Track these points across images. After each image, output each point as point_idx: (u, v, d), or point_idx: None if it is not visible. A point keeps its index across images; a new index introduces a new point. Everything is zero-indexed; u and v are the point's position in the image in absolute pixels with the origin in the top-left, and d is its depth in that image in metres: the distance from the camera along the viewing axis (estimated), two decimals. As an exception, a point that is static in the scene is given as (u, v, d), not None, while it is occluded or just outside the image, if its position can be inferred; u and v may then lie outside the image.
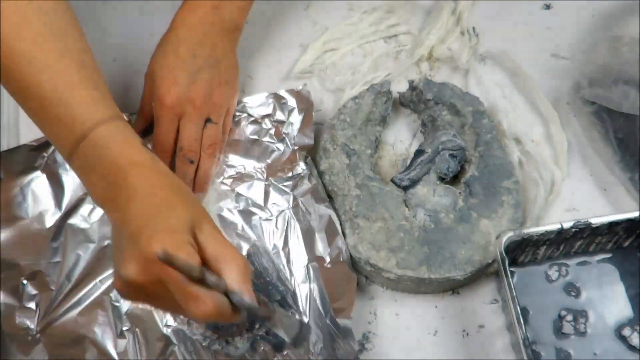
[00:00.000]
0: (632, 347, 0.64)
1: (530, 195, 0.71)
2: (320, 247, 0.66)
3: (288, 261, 0.66)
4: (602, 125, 0.73)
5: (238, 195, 0.69)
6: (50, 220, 0.68)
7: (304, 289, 0.64)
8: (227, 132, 0.71)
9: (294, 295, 0.64)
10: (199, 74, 0.66)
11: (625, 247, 0.68)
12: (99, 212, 0.68)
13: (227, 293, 0.50)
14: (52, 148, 0.70)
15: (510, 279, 0.60)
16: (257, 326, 0.62)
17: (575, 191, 0.72)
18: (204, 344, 0.63)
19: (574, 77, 0.77)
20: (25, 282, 0.65)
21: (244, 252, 0.66)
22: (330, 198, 0.71)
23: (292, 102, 0.72)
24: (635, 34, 0.72)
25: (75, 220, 0.68)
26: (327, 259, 0.66)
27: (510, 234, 0.62)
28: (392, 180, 0.70)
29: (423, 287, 0.67)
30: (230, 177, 0.70)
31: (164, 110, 0.66)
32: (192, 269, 0.47)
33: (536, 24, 0.82)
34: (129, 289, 0.51)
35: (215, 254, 0.51)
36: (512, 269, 0.66)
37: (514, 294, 0.59)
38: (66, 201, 0.69)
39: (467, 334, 0.66)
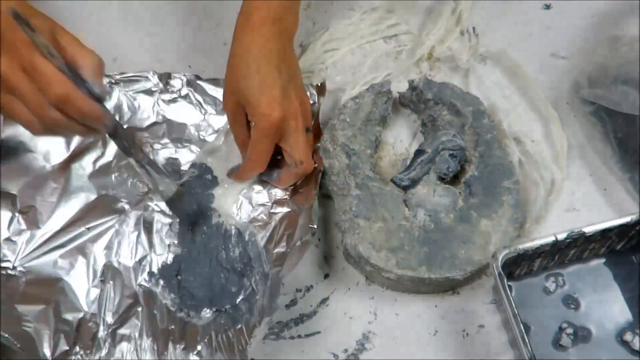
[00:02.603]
0: (635, 352, 0.64)
1: (530, 195, 0.71)
2: (300, 231, 0.66)
3: (272, 244, 0.67)
4: (601, 125, 0.73)
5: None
6: (56, 159, 0.69)
7: (276, 270, 0.65)
8: (317, 136, 0.72)
9: (265, 276, 0.65)
10: (288, 88, 0.65)
11: (618, 251, 0.68)
12: (103, 160, 0.70)
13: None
14: None
15: (510, 297, 0.59)
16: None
17: (575, 191, 0.72)
18: (171, 309, 0.64)
19: (573, 77, 0.77)
20: (17, 215, 0.67)
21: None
22: (330, 198, 0.71)
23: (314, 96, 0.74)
24: (635, 34, 0.72)
25: (79, 165, 0.69)
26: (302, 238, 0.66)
27: (507, 250, 0.61)
28: (392, 180, 0.70)
29: (423, 287, 0.67)
30: None
31: (271, 128, 0.64)
32: (37, 38, 0.54)
33: (536, 24, 0.82)
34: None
35: (73, 53, 0.57)
36: (510, 283, 0.65)
37: (516, 311, 0.59)
38: (74, 144, 0.70)
39: (467, 334, 0.66)
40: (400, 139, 0.76)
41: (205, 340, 0.63)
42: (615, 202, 0.72)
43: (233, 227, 0.68)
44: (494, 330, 0.66)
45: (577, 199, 0.72)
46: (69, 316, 0.63)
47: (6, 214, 0.67)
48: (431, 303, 0.68)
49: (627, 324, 0.65)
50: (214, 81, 0.75)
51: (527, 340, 0.57)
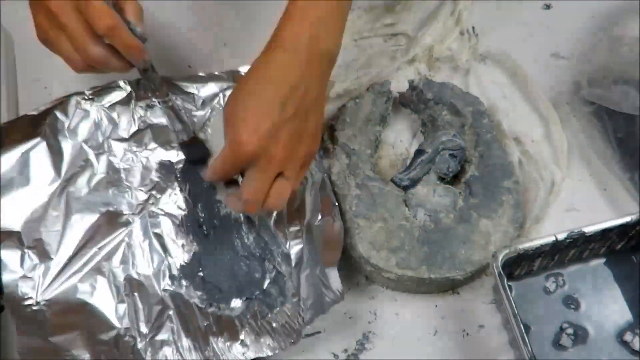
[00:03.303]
0: (635, 352, 0.64)
1: (530, 195, 0.71)
2: (312, 208, 0.67)
3: (283, 224, 0.67)
4: (602, 125, 0.73)
5: None
6: (50, 188, 0.68)
7: (297, 249, 0.66)
8: (296, 184, 0.61)
9: (287, 257, 0.66)
10: (284, 127, 0.57)
11: (618, 250, 0.68)
12: (96, 178, 0.69)
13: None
14: (52, 116, 0.70)
15: (510, 297, 0.59)
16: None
17: (575, 191, 0.72)
18: (200, 306, 0.64)
19: (574, 77, 0.77)
20: (27, 250, 0.66)
21: None
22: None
23: None
24: (635, 34, 0.72)
25: (75, 188, 0.69)
26: (319, 217, 0.66)
27: (507, 250, 0.61)
28: (392, 180, 0.70)
29: (423, 287, 0.67)
30: None
31: (238, 155, 0.57)
32: None
33: (536, 24, 0.82)
34: (46, 26, 0.59)
35: None
36: (510, 283, 0.65)
37: (516, 311, 0.59)
38: (65, 169, 0.69)
39: (467, 334, 0.66)
40: (400, 139, 0.76)
41: (246, 328, 0.63)
42: (615, 202, 0.72)
43: (241, 215, 0.68)
44: (494, 330, 0.66)
45: (577, 199, 0.72)
46: (104, 336, 0.63)
47: (15, 253, 0.65)
48: (431, 303, 0.68)
49: (627, 324, 0.65)
50: (187, 79, 0.74)
51: (527, 340, 0.57)
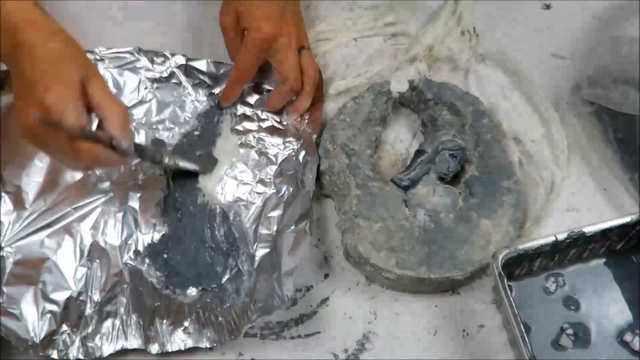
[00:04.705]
0: (635, 352, 0.64)
1: (530, 195, 0.71)
2: (289, 217, 0.67)
3: (256, 225, 0.68)
4: (602, 125, 0.73)
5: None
6: None
7: (263, 252, 0.66)
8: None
9: (251, 257, 0.66)
10: (286, 9, 0.69)
11: (618, 250, 0.67)
12: None
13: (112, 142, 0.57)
14: None
15: (511, 297, 0.59)
16: (166, 160, 0.67)
17: (575, 191, 0.72)
18: (157, 287, 0.65)
19: (574, 77, 0.77)
20: (3, 195, 0.67)
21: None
22: (330, 198, 0.71)
23: None
24: (635, 34, 0.72)
25: None
26: (292, 227, 0.66)
27: (507, 250, 0.61)
28: (392, 180, 0.70)
29: (423, 287, 0.67)
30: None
31: (260, 39, 0.68)
32: (69, 127, 0.54)
33: (536, 24, 0.82)
34: (27, 135, 0.57)
35: (100, 103, 0.57)
36: (510, 283, 0.65)
37: (516, 311, 0.59)
38: None
39: (467, 334, 0.66)
40: (400, 139, 0.76)
41: (193, 316, 0.64)
42: (615, 202, 0.72)
43: (218, 206, 0.69)
44: (494, 330, 0.66)
45: (577, 199, 0.72)
46: (55, 296, 0.64)
47: None
48: (431, 303, 0.68)
49: (627, 325, 0.65)
50: (201, 62, 0.74)
51: (527, 340, 0.57)
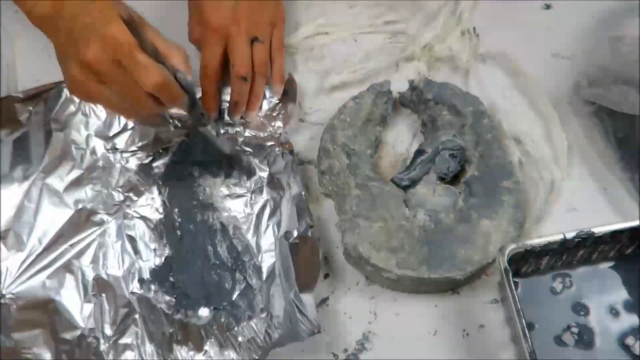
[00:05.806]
0: (636, 357, 0.63)
1: (530, 195, 0.71)
2: (289, 222, 0.67)
3: (257, 235, 0.67)
4: (602, 125, 0.73)
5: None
6: (28, 177, 0.68)
7: (269, 262, 0.66)
8: (281, 48, 0.74)
9: (258, 269, 0.66)
10: (239, 1, 0.69)
11: (628, 255, 0.67)
12: (73, 174, 0.69)
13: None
14: (38, 101, 0.70)
15: (515, 292, 0.59)
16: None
17: (575, 191, 0.72)
18: (167, 312, 0.64)
19: (574, 77, 0.77)
20: None
21: None
22: (330, 198, 0.71)
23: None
24: (635, 34, 0.72)
25: (52, 180, 0.69)
26: (295, 234, 0.66)
27: (513, 245, 0.61)
28: (392, 180, 0.70)
29: (423, 287, 0.67)
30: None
31: (210, 32, 0.69)
32: (146, 42, 0.57)
33: (536, 24, 0.82)
34: (83, 79, 0.58)
35: (163, 45, 0.60)
36: (516, 280, 0.65)
37: (519, 306, 0.59)
38: (46, 159, 0.69)
39: (467, 334, 0.66)
40: (400, 139, 0.76)
41: (212, 339, 0.63)
42: (615, 202, 0.72)
43: (217, 221, 0.69)
44: (494, 330, 0.66)
45: (577, 199, 0.72)
46: (67, 335, 0.63)
47: None
48: (431, 303, 0.68)
49: (630, 329, 0.65)
50: None
51: (528, 336, 0.57)
